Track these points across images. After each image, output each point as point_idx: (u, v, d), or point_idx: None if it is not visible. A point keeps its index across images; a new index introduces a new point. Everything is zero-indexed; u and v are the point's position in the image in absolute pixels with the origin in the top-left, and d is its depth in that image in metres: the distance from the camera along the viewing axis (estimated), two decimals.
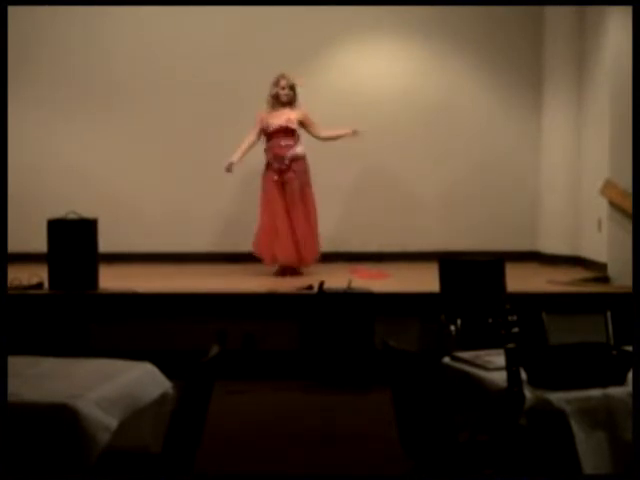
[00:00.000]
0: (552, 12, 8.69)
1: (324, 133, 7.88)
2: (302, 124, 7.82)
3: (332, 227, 8.24)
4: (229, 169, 7.76)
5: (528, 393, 3.28)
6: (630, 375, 3.43)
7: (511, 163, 9.09)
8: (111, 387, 3.40)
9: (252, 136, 7.85)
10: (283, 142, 7.73)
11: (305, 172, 7.80)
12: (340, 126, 7.93)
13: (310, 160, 7.85)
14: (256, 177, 8.10)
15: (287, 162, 7.71)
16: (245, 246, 8.17)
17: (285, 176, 7.72)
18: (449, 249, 8.44)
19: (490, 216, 9.02)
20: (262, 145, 7.86)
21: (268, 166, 7.79)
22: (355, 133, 7.83)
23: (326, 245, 8.08)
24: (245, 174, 8.48)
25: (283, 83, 7.81)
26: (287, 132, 7.74)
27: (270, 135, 7.76)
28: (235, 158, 7.77)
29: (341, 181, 8.70)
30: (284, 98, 7.80)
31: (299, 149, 7.78)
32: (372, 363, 6.15)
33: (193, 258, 8.72)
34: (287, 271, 7.77)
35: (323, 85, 8.84)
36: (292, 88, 7.83)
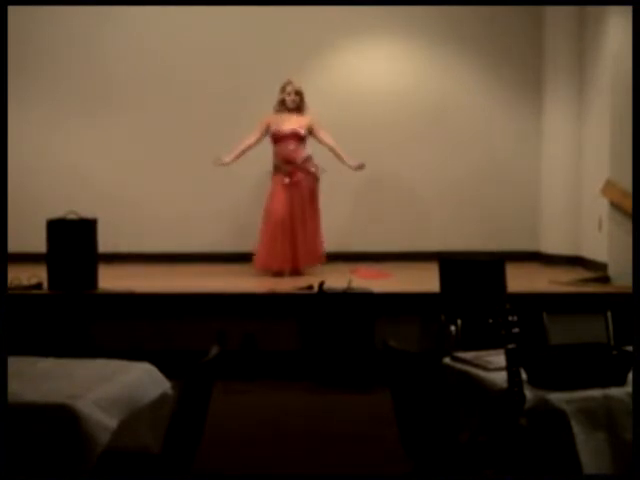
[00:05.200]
0: (552, 12, 8.69)
1: (330, 142, 7.86)
2: (310, 130, 7.83)
3: (332, 227, 8.24)
4: (218, 164, 7.75)
5: (528, 393, 3.28)
6: (630, 375, 3.43)
7: (512, 163, 9.09)
8: (111, 387, 3.40)
9: (251, 139, 7.88)
10: (292, 146, 7.75)
11: (314, 174, 7.81)
12: (342, 129, 8.01)
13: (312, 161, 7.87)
14: (256, 178, 8.12)
15: (298, 165, 7.73)
16: (245, 246, 8.18)
17: (294, 179, 7.74)
18: (449, 249, 8.44)
19: (491, 216, 9.03)
20: (265, 147, 7.87)
21: (277, 170, 7.79)
22: (360, 168, 7.83)
23: (326, 245, 8.07)
24: (245, 174, 8.49)
25: (289, 89, 7.84)
26: (297, 137, 7.77)
27: (280, 139, 7.76)
28: (228, 159, 7.81)
29: (341, 181, 8.67)
30: (291, 104, 7.82)
31: (308, 152, 7.81)
32: (372, 363, 6.15)
33: (193, 258, 8.72)
34: (283, 273, 7.78)
35: (323, 85, 8.84)
36: (298, 94, 7.85)
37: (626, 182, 6.96)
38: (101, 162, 8.96)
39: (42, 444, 3.10)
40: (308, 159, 7.81)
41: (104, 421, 3.19)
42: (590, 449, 3.31)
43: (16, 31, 8.21)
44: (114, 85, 8.97)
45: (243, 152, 7.87)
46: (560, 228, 8.71)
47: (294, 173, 7.75)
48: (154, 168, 8.95)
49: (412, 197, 9.07)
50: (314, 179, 7.84)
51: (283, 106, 7.85)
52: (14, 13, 7.61)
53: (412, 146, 8.98)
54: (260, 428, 5.37)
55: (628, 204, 7.04)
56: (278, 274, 7.72)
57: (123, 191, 8.91)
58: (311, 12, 8.79)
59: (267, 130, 7.86)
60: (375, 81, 9.00)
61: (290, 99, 7.83)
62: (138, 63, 8.96)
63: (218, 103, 8.86)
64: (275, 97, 7.92)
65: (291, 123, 7.78)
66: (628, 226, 6.96)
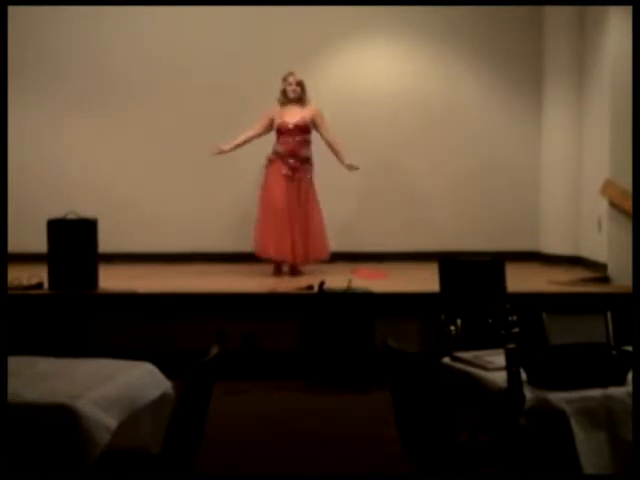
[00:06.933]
0: (552, 12, 8.69)
1: (330, 137, 7.85)
2: (313, 122, 7.84)
3: (332, 227, 8.23)
4: (216, 152, 7.79)
5: (528, 393, 3.28)
6: (630, 375, 3.43)
7: (511, 163, 9.09)
8: (111, 387, 3.40)
9: (252, 131, 7.88)
10: (298, 139, 7.77)
11: (312, 171, 7.83)
12: (342, 129, 8.01)
13: (312, 160, 7.88)
14: (257, 178, 8.10)
15: (301, 159, 7.75)
16: (245, 246, 8.18)
17: (297, 173, 7.74)
18: (450, 249, 8.43)
19: (491, 216, 9.02)
20: (268, 147, 7.88)
21: (277, 160, 7.77)
22: (352, 168, 7.81)
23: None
24: (246, 173, 8.49)
25: (291, 79, 7.84)
26: (303, 130, 7.78)
27: (286, 131, 7.76)
28: (226, 147, 7.83)
29: (341, 181, 8.67)
30: (292, 95, 7.82)
31: (310, 149, 7.83)
32: (372, 363, 6.15)
33: (193, 258, 8.71)
34: (282, 269, 7.80)
35: (323, 85, 8.83)
36: (300, 85, 7.86)
37: (626, 182, 6.96)
38: (101, 162, 8.96)
39: (42, 444, 3.10)
40: (309, 157, 7.82)
41: (104, 421, 3.19)
42: (590, 449, 3.31)
43: (16, 31, 8.19)
44: (114, 85, 8.97)
45: (242, 143, 7.87)
46: (560, 228, 8.71)
47: (296, 166, 7.75)
48: (154, 168, 8.94)
49: (412, 197, 9.06)
50: (311, 178, 7.84)
51: (285, 97, 7.85)
52: (14, 13, 7.60)
53: (411, 146, 8.98)
54: (260, 428, 5.37)
55: (628, 204, 7.04)
56: (278, 268, 7.76)
57: (123, 191, 8.91)
58: (311, 12, 8.79)
59: (270, 124, 7.85)
60: (375, 81, 9.00)
61: (291, 89, 7.83)
62: (138, 63, 8.96)
63: (218, 103, 8.85)
64: (276, 96, 7.92)
65: (296, 116, 7.78)
66: (628, 226, 6.96)
